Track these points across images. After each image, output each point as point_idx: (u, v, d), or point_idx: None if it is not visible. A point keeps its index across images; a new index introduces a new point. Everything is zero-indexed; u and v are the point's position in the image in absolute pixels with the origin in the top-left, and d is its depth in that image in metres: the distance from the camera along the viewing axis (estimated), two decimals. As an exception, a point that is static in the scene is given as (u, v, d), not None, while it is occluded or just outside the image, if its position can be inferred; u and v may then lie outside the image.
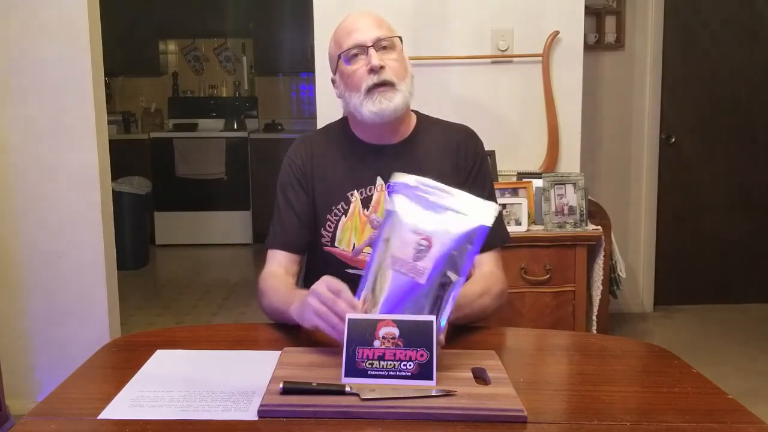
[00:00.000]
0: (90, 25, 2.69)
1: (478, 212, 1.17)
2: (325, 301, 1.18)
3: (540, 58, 2.80)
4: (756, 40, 4.07)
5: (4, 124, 2.72)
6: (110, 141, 2.93)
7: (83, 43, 2.68)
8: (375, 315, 1.14)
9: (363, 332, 1.10)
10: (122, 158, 4.74)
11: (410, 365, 1.09)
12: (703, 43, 4.03)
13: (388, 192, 1.24)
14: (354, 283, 1.53)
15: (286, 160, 1.64)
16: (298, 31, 5.80)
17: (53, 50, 2.68)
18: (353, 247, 1.56)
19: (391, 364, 1.09)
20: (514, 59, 2.82)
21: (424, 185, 1.21)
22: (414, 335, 1.10)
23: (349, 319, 1.11)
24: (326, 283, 1.21)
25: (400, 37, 1.57)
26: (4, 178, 2.75)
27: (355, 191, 1.57)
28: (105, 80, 3.00)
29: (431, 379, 1.08)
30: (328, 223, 1.57)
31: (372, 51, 1.50)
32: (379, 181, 1.57)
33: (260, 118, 6.28)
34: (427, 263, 1.15)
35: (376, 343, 1.09)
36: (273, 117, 6.26)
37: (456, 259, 1.15)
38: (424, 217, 1.18)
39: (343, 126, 1.66)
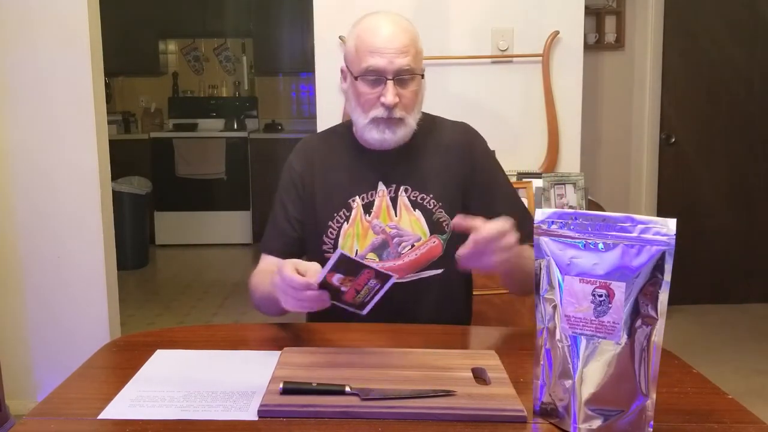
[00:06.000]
0: (90, 25, 2.69)
1: (655, 228, 0.95)
2: (287, 286, 1.21)
3: (540, 58, 2.80)
4: (756, 40, 4.07)
5: (4, 124, 2.72)
6: (110, 141, 2.93)
7: (83, 43, 2.68)
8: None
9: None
10: (122, 158, 4.73)
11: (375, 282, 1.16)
12: (703, 43, 4.02)
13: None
14: None
15: (287, 166, 1.63)
16: (298, 31, 5.80)
17: (53, 50, 2.68)
18: (356, 254, 1.54)
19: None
20: (514, 59, 2.82)
21: (571, 217, 0.98)
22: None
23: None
24: (284, 269, 1.22)
25: (422, 75, 1.51)
26: (4, 177, 2.74)
27: (357, 197, 1.55)
28: (105, 80, 3.00)
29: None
30: (330, 230, 1.55)
31: (390, 85, 1.45)
32: (381, 186, 1.55)
33: (260, 118, 6.28)
34: (613, 316, 0.94)
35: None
36: (273, 117, 6.25)
37: (648, 298, 0.95)
38: (590, 258, 0.96)
39: (346, 130, 1.63)
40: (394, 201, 1.55)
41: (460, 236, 1.57)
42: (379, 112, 1.47)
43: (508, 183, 1.65)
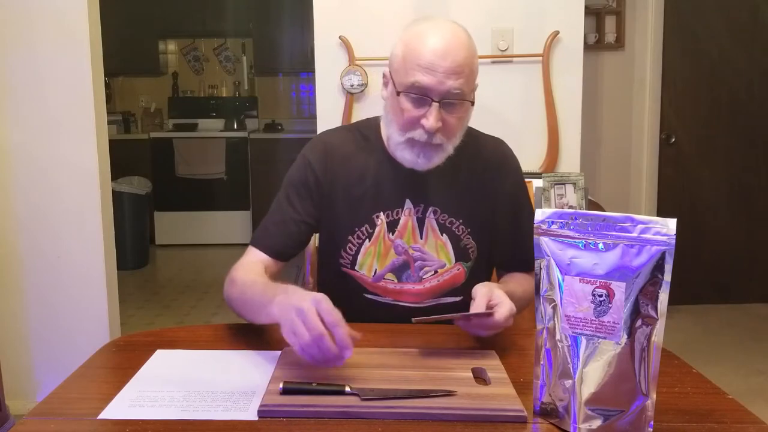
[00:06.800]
0: (90, 25, 2.69)
1: (655, 228, 0.95)
2: (312, 333, 1.04)
3: (540, 58, 2.80)
4: (756, 40, 4.07)
5: (4, 124, 2.72)
6: (110, 141, 2.93)
7: (83, 43, 2.68)
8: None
9: None
10: (122, 158, 4.74)
11: None
12: (703, 43, 4.03)
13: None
14: (372, 308, 1.46)
15: (303, 161, 1.48)
16: (298, 31, 5.81)
17: (53, 50, 2.68)
18: (374, 272, 1.46)
19: None
20: (514, 59, 2.82)
21: (571, 217, 0.98)
22: None
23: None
24: (319, 308, 1.06)
25: (472, 102, 1.39)
26: (4, 178, 2.74)
27: (381, 213, 1.44)
28: (105, 80, 3.00)
29: None
30: (350, 245, 1.46)
31: (434, 108, 1.31)
32: (408, 204, 1.45)
33: (260, 118, 6.28)
34: (613, 316, 0.94)
35: None
36: (273, 117, 6.26)
37: (648, 298, 0.95)
38: (590, 258, 0.96)
39: (374, 133, 1.49)
40: (420, 222, 1.46)
41: (483, 263, 1.51)
42: (417, 134, 1.34)
43: (528, 219, 1.56)
